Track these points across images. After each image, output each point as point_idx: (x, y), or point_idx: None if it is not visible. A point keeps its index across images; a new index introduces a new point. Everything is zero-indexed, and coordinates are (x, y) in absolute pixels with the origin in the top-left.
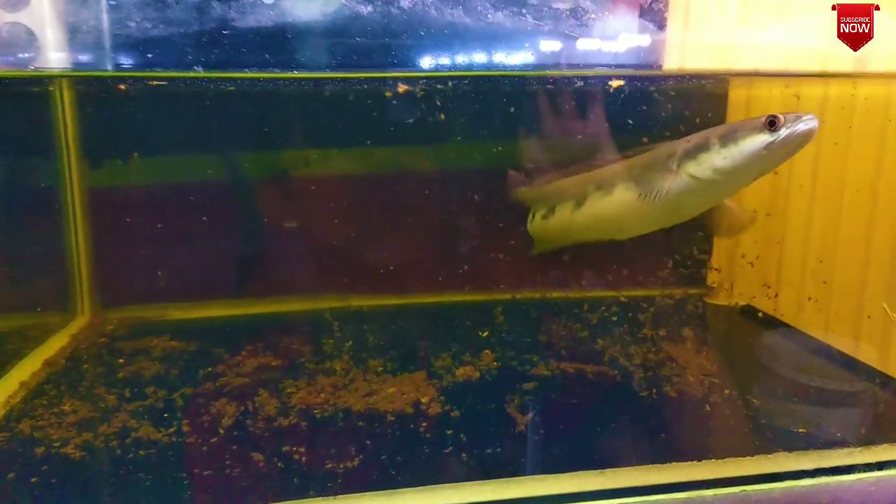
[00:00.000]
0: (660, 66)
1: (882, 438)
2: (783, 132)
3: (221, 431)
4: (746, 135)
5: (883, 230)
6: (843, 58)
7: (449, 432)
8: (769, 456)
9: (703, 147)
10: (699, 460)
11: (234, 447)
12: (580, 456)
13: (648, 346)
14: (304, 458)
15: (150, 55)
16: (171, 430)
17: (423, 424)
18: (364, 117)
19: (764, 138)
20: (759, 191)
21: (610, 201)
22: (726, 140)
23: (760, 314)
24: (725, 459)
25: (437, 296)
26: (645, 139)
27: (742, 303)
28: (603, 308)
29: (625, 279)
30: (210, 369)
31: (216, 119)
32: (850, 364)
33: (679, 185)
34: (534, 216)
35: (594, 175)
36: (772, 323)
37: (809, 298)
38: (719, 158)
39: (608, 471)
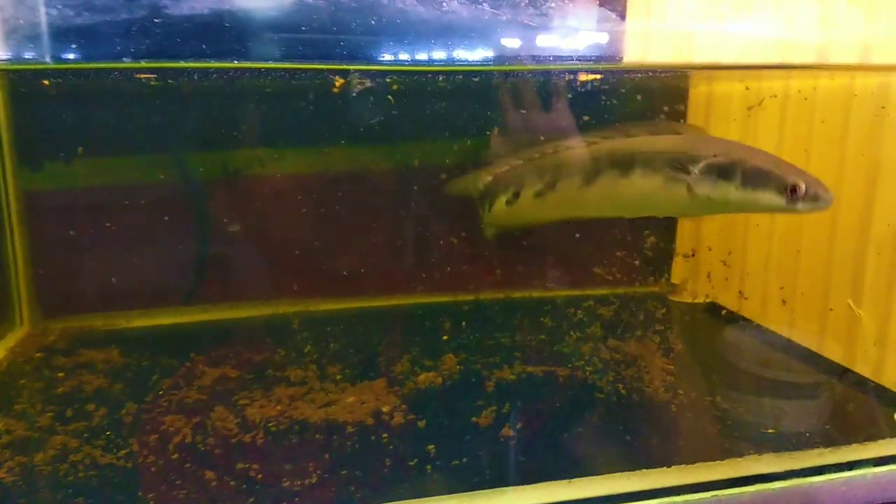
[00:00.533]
0: (620, 59)
1: (851, 438)
2: (799, 206)
3: (170, 448)
4: (767, 189)
5: (846, 226)
6: (805, 50)
7: (411, 443)
8: (739, 459)
9: (725, 174)
10: (668, 466)
11: (185, 466)
12: (548, 465)
13: (613, 345)
14: (259, 476)
15: (75, 45)
16: (115, 450)
17: (385, 436)
18: (316, 113)
19: (779, 202)
20: None
21: (626, 184)
22: (747, 181)
23: (724, 311)
24: (696, 464)
25: (398, 298)
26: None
27: (706, 300)
28: (568, 308)
29: (589, 278)
30: (158, 382)
31: (162, 116)
32: (815, 360)
33: (691, 190)
34: (516, 195)
35: (606, 153)
36: (736, 320)
37: (784, 302)
38: (735, 193)
39: (576, 480)
